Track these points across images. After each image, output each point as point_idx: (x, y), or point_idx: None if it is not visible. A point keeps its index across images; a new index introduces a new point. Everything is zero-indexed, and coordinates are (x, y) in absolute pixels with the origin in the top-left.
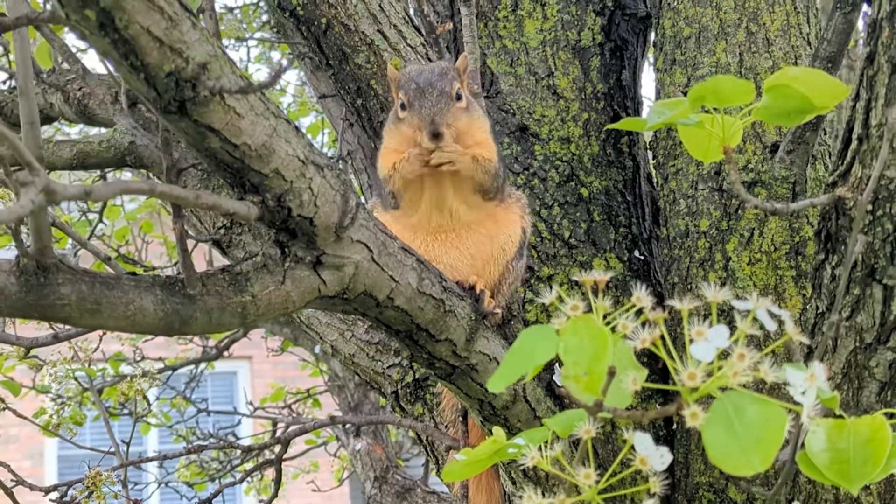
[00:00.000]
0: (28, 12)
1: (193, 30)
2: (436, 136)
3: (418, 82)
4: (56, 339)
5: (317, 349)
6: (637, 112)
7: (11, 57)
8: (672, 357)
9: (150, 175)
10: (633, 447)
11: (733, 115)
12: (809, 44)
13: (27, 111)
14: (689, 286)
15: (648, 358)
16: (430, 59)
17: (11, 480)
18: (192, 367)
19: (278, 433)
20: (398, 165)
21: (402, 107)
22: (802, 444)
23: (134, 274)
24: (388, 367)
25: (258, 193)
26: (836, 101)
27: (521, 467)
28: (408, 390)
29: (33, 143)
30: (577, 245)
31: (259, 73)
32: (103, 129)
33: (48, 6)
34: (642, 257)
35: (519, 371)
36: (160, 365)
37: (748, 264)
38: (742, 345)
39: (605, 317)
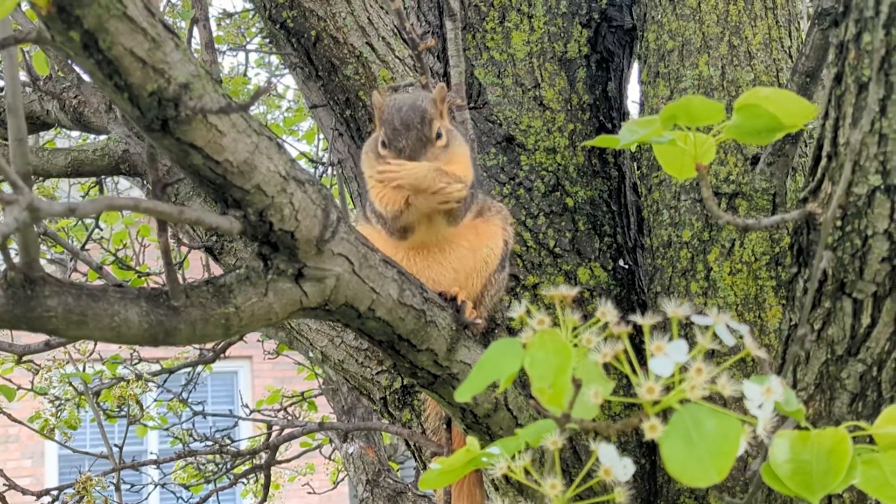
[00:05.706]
0: (16, 33)
1: (176, 50)
2: None
3: (397, 125)
4: (48, 346)
5: (310, 353)
6: (623, 123)
7: None
8: (635, 371)
9: (144, 182)
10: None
11: (713, 128)
12: (791, 57)
13: (15, 128)
14: (671, 296)
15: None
16: (417, 71)
17: (4, 484)
18: (189, 369)
19: (271, 438)
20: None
21: (384, 144)
22: None
23: (120, 286)
24: (377, 374)
25: (240, 208)
26: (805, 120)
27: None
28: (396, 396)
29: (20, 161)
30: (562, 254)
31: (258, 78)
32: (102, 136)
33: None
34: (627, 266)
35: (484, 382)
36: (157, 367)
37: (729, 274)
38: (701, 359)
39: (574, 329)
